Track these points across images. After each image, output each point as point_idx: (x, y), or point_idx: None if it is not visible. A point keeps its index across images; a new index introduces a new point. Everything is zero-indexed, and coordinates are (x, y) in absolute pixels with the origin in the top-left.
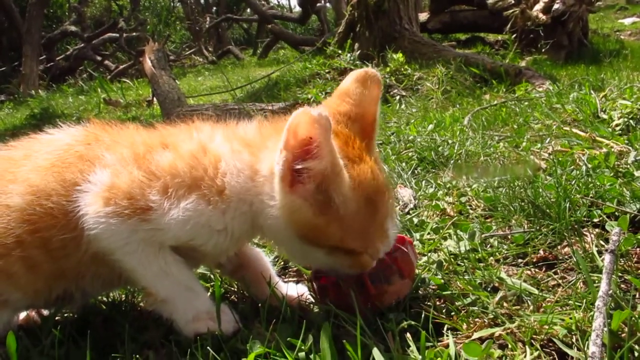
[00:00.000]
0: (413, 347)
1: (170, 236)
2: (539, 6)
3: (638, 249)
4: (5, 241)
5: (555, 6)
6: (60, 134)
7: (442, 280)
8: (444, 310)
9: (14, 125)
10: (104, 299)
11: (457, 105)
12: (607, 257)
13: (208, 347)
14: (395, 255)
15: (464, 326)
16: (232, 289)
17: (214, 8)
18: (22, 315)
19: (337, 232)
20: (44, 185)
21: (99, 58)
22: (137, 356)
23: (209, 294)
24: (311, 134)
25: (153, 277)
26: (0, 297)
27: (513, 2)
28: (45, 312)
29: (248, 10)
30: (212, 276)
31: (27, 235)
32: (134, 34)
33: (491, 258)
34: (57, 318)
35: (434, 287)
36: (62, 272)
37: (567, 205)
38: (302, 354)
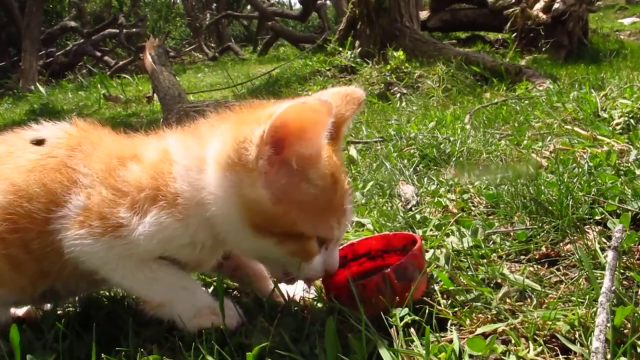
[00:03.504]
0: (417, 342)
1: (143, 250)
2: (539, 5)
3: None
4: None
5: (556, 5)
6: (44, 132)
7: (448, 275)
8: (447, 306)
9: (13, 120)
10: (107, 293)
11: (458, 104)
12: (610, 254)
13: (212, 342)
14: (415, 252)
15: (467, 322)
16: (234, 284)
17: (214, 4)
18: (24, 309)
19: (292, 217)
20: (25, 186)
21: (98, 54)
22: (141, 350)
23: (211, 289)
24: (308, 126)
25: (142, 286)
26: None
27: (513, 1)
28: (48, 306)
29: (248, 7)
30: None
31: (8, 234)
32: (134, 30)
33: (494, 254)
34: (58, 312)
35: (437, 283)
36: (46, 273)
37: (570, 202)
38: (306, 348)
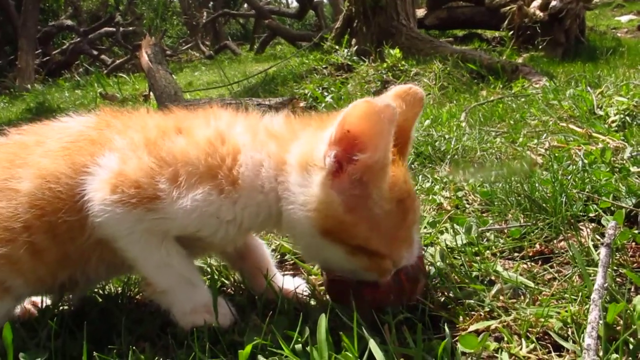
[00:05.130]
0: (409, 339)
1: (176, 225)
2: (536, 3)
3: (633, 243)
4: (13, 226)
5: (553, 3)
6: (72, 122)
7: (442, 272)
8: (440, 303)
9: (9, 119)
10: (100, 291)
11: (454, 101)
12: (602, 251)
13: (205, 339)
14: (421, 254)
15: (460, 319)
16: (228, 282)
17: (211, 3)
18: (18, 308)
19: (364, 232)
20: (53, 168)
21: (95, 52)
22: (134, 348)
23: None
24: (369, 126)
25: (154, 267)
26: (3, 284)
27: None
28: (43, 304)
29: (245, 5)
30: (208, 269)
31: (35, 220)
32: (131, 28)
33: (488, 252)
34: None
35: (431, 280)
36: (67, 257)
37: (564, 199)
38: (298, 346)
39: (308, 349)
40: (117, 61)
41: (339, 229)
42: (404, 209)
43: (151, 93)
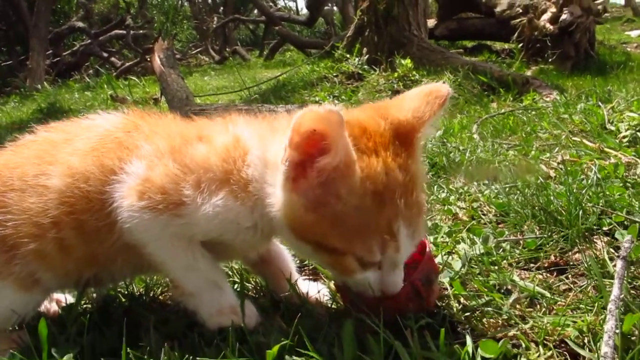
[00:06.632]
0: (431, 343)
1: (200, 230)
2: (546, 16)
3: None
4: (42, 221)
5: (563, 17)
6: (100, 120)
7: (460, 281)
8: (459, 310)
9: (20, 119)
10: (124, 291)
11: (465, 112)
12: (619, 263)
13: (233, 339)
14: (430, 256)
15: (479, 326)
16: (249, 284)
17: (221, 8)
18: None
19: (323, 229)
20: (82, 168)
21: (105, 54)
22: (165, 345)
23: None
24: (318, 129)
25: (182, 271)
26: (33, 276)
27: (521, 11)
28: (67, 302)
29: (255, 11)
30: (229, 272)
31: (64, 217)
32: (141, 31)
33: (504, 262)
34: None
35: (450, 288)
36: (94, 256)
37: (579, 213)
38: (324, 348)
39: (334, 351)
40: (127, 64)
41: (301, 227)
42: (380, 201)
43: (162, 96)
